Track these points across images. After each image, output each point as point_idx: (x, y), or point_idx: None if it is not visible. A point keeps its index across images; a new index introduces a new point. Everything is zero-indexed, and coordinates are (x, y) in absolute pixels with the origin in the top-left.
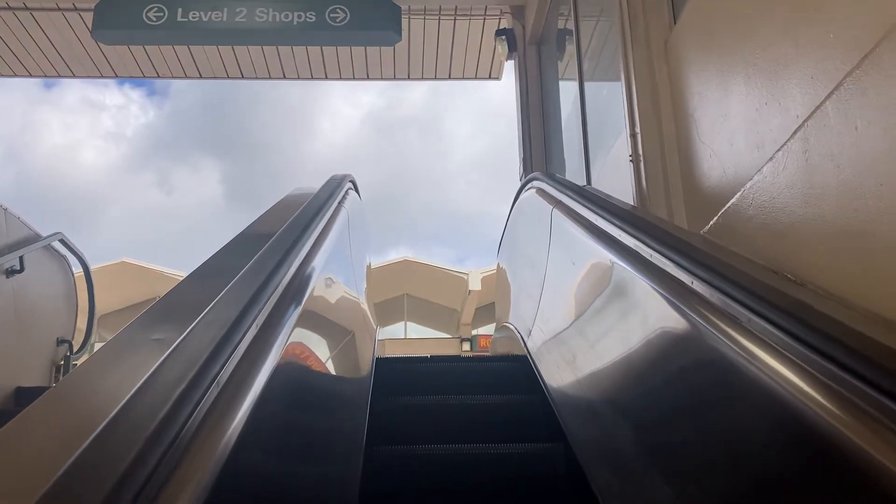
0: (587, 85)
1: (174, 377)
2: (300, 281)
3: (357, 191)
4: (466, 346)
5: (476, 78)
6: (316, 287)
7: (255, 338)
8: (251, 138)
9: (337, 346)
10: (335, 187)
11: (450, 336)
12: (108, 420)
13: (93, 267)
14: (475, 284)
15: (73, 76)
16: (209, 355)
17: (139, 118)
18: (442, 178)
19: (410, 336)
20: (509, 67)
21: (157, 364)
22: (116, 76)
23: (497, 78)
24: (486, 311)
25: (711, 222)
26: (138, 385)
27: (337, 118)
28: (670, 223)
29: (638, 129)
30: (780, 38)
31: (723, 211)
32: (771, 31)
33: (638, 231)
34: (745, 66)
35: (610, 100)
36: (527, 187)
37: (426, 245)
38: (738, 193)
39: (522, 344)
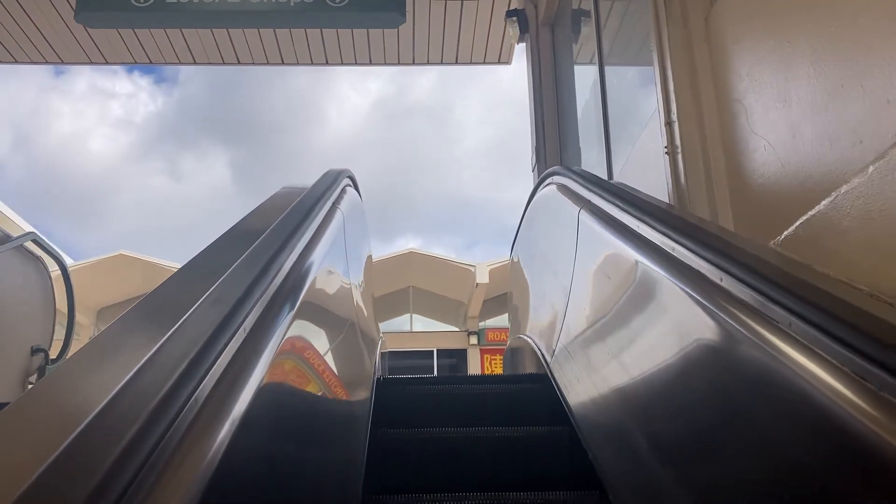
0: (608, 69)
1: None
2: (284, 297)
3: (356, 188)
4: (474, 340)
5: (485, 62)
6: (300, 308)
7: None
8: (260, 126)
9: (326, 378)
10: (328, 186)
11: (457, 329)
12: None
13: (90, 260)
14: (482, 277)
15: (62, 62)
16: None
17: (148, 106)
18: (450, 164)
19: (416, 329)
20: (520, 51)
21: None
22: (107, 62)
23: (507, 62)
24: (494, 304)
25: (786, 233)
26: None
27: (345, 105)
28: (749, 240)
29: (675, 117)
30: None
31: (804, 220)
32: None
33: (707, 249)
34: (817, 40)
35: (636, 85)
36: (545, 182)
37: (434, 232)
38: (828, 200)
39: (543, 363)
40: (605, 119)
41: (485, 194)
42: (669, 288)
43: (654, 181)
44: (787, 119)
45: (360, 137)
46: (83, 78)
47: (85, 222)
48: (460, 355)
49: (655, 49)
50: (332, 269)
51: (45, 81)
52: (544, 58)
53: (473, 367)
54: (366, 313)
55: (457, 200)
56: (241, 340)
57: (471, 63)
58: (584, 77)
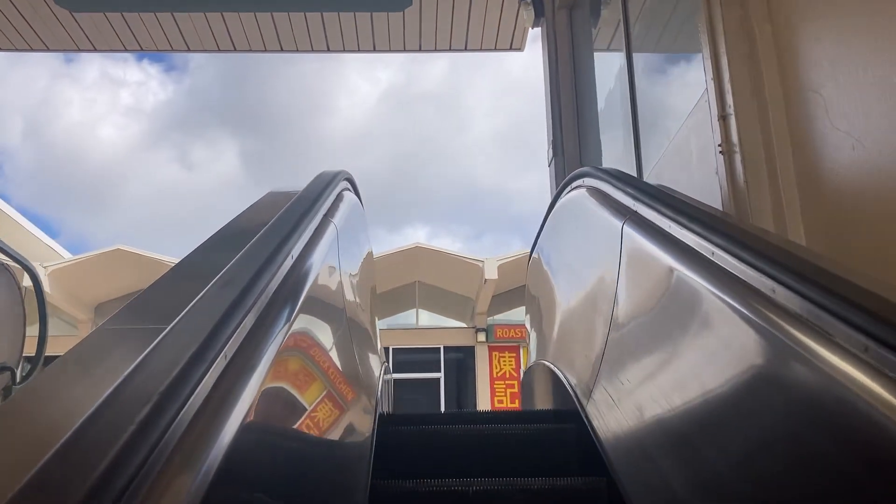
0: (637, 56)
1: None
2: (262, 336)
3: (356, 191)
4: (482, 337)
5: (496, 49)
6: (283, 349)
7: None
8: (269, 115)
9: (318, 425)
10: (319, 193)
11: (464, 325)
12: None
13: (87, 254)
14: (491, 273)
15: (51, 49)
16: None
17: (158, 94)
18: (460, 153)
19: (422, 324)
20: (534, 37)
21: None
22: (96, 49)
23: (519, 49)
24: (504, 300)
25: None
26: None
27: (355, 95)
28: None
29: (731, 111)
30: None
31: None
32: None
33: (807, 285)
34: None
35: (673, 73)
36: (573, 185)
37: (442, 221)
38: None
39: (575, 400)
40: (634, 111)
41: (494, 183)
42: (765, 337)
43: (699, 183)
44: (887, 112)
45: (369, 126)
46: (92, 65)
47: (95, 211)
48: (468, 352)
49: (705, 32)
50: (324, 295)
51: (55, 68)
52: (561, 44)
53: (482, 367)
54: (367, 341)
55: (466, 189)
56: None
57: (481, 50)
58: (607, 64)
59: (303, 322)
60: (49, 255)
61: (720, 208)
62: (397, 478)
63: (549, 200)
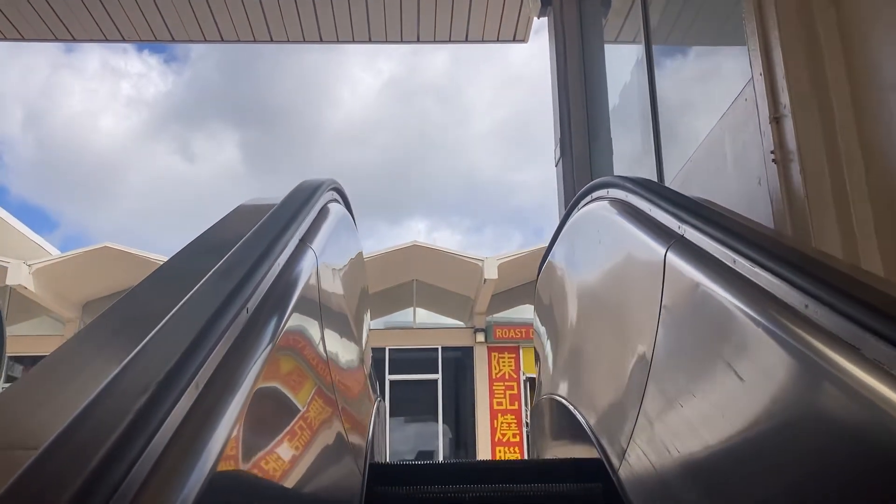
0: (658, 49)
1: None
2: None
3: (346, 202)
4: (481, 338)
5: (498, 41)
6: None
7: None
8: (270, 106)
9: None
10: (295, 212)
11: (463, 325)
12: None
13: (74, 251)
14: (491, 273)
15: (49, 40)
16: None
17: (158, 85)
18: (461, 145)
19: (420, 323)
20: (538, 27)
21: None
22: (95, 40)
23: (523, 40)
24: (503, 298)
25: None
26: None
27: (356, 87)
28: None
29: (787, 111)
30: None
31: None
32: None
33: None
34: None
35: (703, 65)
36: (594, 194)
37: (443, 213)
38: None
39: (599, 452)
40: (654, 109)
41: (495, 175)
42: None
43: (736, 192)
44: None
45: (370, 118)
46: (93, 55)
47: (95, 202)
48: (466, 353)
49: (753, 18)
50: (296, 353)
51: (55, 58)
52: (570, 35)
53: (480, 368)
54: (357, 394)
55: (467, 181)
56: None
57: (483, 41)
58: (622, 58)
59: (261, 408)
60: (37, 253)
61: (771, 226)
62: None
63: (552, 199)
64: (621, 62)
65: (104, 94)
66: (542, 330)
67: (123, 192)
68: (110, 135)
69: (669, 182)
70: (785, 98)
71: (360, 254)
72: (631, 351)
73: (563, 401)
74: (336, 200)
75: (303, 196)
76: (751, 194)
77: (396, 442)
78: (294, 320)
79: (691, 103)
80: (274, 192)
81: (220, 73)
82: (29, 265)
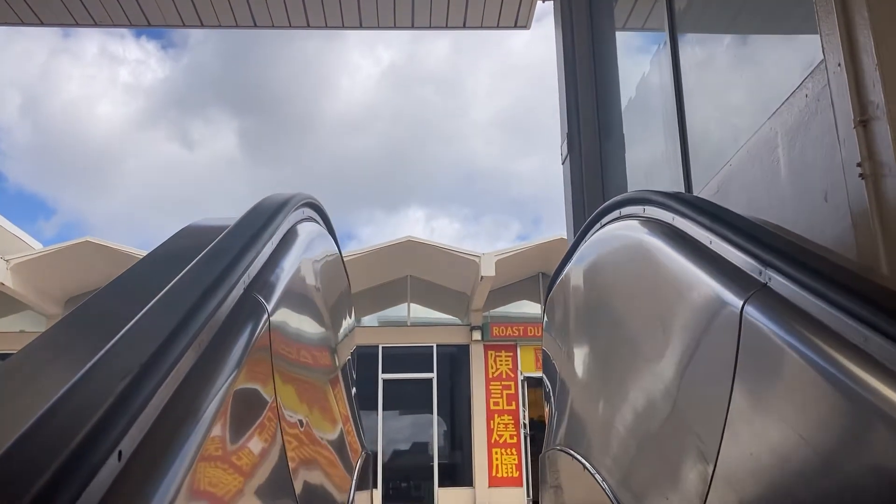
0: (684, 38)
1: None
2: None
3: (324, 219)
4: (477, 336)
5: (499, 27)
6: None
7: None
8: (269, 93)
9: None
10: (241, 250)
11: (459, 322)
12: None
13: (54, 246)
14: (488, 269)
15: (46, 24)
16: None
17: (156, 71)
18: (460, 134)
19: (414, 319)
20: (542, 13)
21: None
22: (95, 24)
23: (525, 27)
24: (501, 294)
25: None
26: None
27: (356, 74)
28: None
29: (880, 112)
30: None
31: None
32: None
33: None
34: None
35: (742, 54)
36: (623, 211)
37: (441, 202)
38: None
39: None
40: (680, 104)
41: (494, 165)
42: None
43: (793, 208)
44: None
45: (369, 106)
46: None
47: (93, 189)
48: (462, 351)
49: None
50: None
51: (52, 43)
52: (578, 22)
53: (477, 367)
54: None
55: (465, 170)
56: None
57: (482, 27)
58: (637, 48)
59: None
60: (17, 246)
61: (852, 257)
62: None
63: (552, 189)
64: (636, 50)
65: (102, 80)
66: (554, 365)
67: (121, 178)
68: (108, 121)
69: (699, 191)
70: (877, 96)
71: (344, 279)
72: (685, 425)
73: (589, 468)
74: (311, 219)
75: (258, 222)
76: (812, 212)
77: (388, 441)
78: (225, 416)
79: (728, 98)
80: (270, 181)
81: (219, 59)
82: (7, 260)
